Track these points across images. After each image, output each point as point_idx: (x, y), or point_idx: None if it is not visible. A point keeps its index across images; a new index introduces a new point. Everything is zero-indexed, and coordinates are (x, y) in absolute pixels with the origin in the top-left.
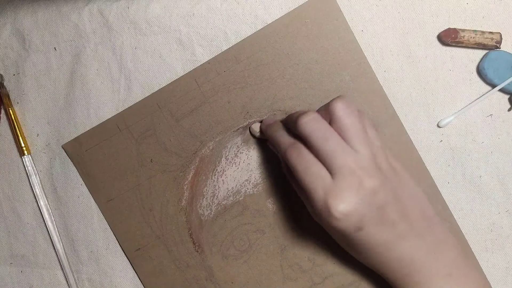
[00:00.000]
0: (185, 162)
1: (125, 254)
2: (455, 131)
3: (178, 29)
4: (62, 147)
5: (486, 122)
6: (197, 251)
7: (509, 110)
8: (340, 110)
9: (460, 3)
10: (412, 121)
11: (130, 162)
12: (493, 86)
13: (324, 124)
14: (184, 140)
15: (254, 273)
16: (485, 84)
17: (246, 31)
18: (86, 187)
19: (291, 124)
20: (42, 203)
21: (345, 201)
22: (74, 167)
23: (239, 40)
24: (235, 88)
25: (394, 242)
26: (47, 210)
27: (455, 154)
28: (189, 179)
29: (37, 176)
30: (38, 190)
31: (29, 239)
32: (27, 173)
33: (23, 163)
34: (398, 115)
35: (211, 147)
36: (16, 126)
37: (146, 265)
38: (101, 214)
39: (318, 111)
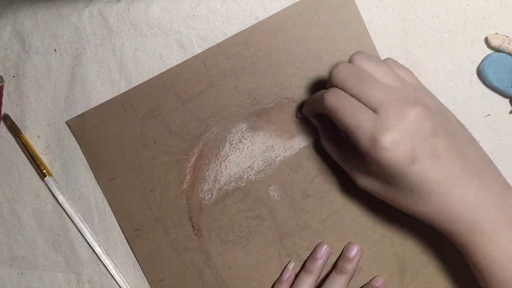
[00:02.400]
0: (189, 145)
1: (123, 233)
2: None
3: (179, 31)
4: (66, 122)
5: (487, 123)
6: (196, 235)
7: (510, 112)
8: (360, 58)
9: (460, 4)
10: None
11: (133, 142)
12: (492, 88)
13: (356, 67)
14: (189, 123)
15: (252, 259)
16: (485, 86)
17: None
18: (86, 189)
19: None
20: (75, 217)
21: (392, 129)
22: (74, 169)
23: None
24: (243, 73)
25: (454, 181)
26: (83, 223)
27: None
28: (192, 162)
29: (65, 195)
30: (69, 208)
31: (29, 241)
32: (51, 192)
33: (23, 165)
34: None
35: (215, 132)
36: (32, 153)
37: (144, 246)
38: (102, 216)
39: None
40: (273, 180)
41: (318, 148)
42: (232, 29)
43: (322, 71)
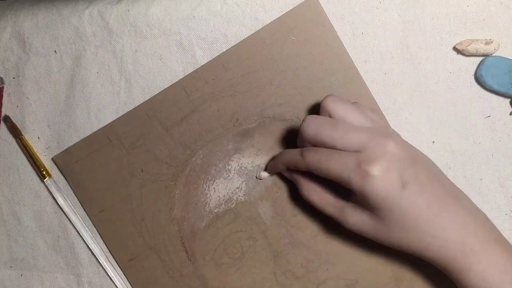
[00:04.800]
0: (176, 171)
1: (118, 264)
2: (455, 134)
3: (179, 32)
4: (52, 159)
5: (487, 124)
6: (190, 260)
7: (511, 114)
8: (331, 103)
9: (460, 6)
10: (413, 124)
11: (120, 173)
12: (493, 92)
13: (324, 118)
14: (174, 149)
15: (248, 281)
16: (485, 87)
17: (246, 34)
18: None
19: (298, 143)
20: (74, 219)
21: (379, 159)
22: None
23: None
24: (224, 96)
25: (440, 205)
26: (82, 225)
27: (455, 156)
28: (180, 188)
29: (64, 196)
30: (67, 209)
31: (29, 243)
32: (51, 194)
33: (23, 167)
34: (399, 117)
35: (201, 156)
36: (32, 154)
37: (139, 275)
38: None
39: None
40: (262, 199)
41: None
42: (232, 30)
43: (301, 88)
